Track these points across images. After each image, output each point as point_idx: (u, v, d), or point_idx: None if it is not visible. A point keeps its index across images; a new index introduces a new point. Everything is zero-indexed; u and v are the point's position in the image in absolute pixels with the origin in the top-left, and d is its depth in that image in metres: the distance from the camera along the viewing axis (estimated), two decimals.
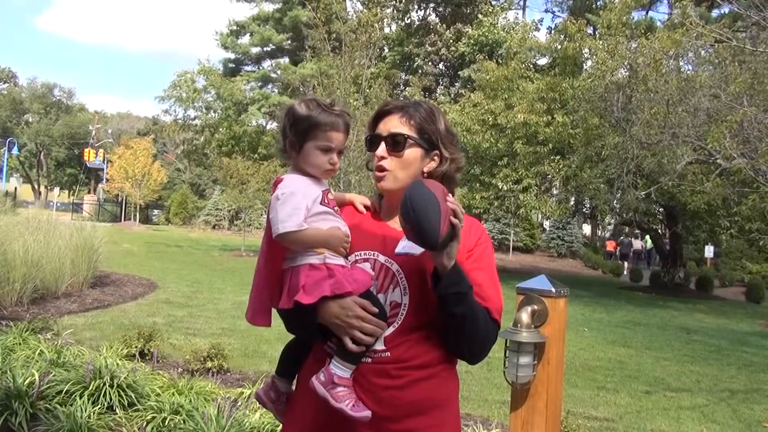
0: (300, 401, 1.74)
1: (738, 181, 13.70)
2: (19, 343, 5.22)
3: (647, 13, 35.72)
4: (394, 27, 35.65)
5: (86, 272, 9.90)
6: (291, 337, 1.82)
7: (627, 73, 15.32)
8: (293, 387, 1.82)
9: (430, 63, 33.69)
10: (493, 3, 32.50)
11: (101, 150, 50.59)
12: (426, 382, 1.63)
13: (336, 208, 1.71)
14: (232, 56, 39.99)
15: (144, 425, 3.78)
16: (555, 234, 32.61)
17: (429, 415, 1.63)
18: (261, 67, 40.37)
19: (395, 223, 1.75)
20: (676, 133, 12.77)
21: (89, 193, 56.10)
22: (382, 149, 1.72)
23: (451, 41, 32.00)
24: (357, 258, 1.68)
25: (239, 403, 4.15)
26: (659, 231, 23.65)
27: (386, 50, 33.48)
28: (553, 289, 2.11)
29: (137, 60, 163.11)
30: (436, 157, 1.75)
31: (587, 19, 22.50)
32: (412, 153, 1.72)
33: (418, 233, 1.50)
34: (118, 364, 4.54)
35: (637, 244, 34.27)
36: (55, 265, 8.90)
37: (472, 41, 30.18)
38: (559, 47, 19.30)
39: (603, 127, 15.83)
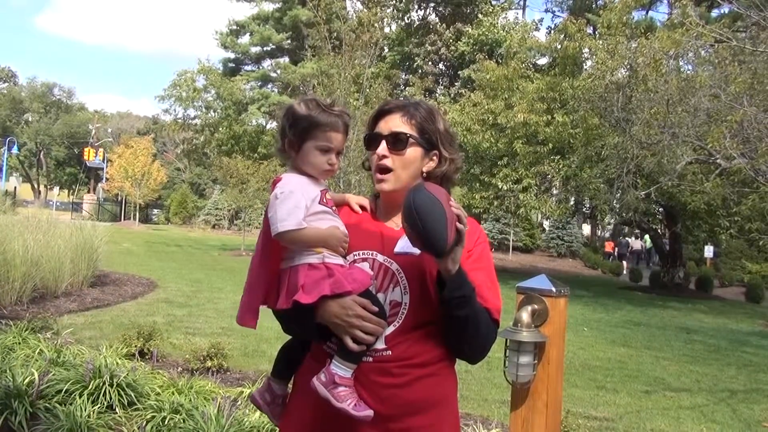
0: (298, 402, 1.74)
1: (738, 181, 13.71)
2: (19, 343, 5.22)
3: (647, 12, 35.77)
4: (394, 27, 35.64)
5: (86, 271, 9.90)
6: (290, 337, 1.81)
7: (627, 73, 15.31)
8: (289, 389, 1.82)
9: (430, 63, 33.67)
10: (493, 3, 32.51)
11: (101, 149, 50.59)
12: (426, 380, 1.63)
13: (334, 208, 1.70)
14: (232, 56, 39.99)
15: (144, 424, 3.78)
16: (555, 234, 32.62)
17: (429, 413, 1.64)
18: (261, 67, 40.36)
19: (392, 223, 1.76)
20: (676, 133, 12.76)
21: (89, 192, 56.11)
22: (383, 148, 1.71)
23: (451, 41, 31.99)
24: (355, 258, 1.68)
25: (239, 403, 4.15)
26: (659, 231, 23.64)
27: (386, 50, 33.45)
28: (554, 289, 2.11)
29: (137, 60, 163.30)
30: (435, 157, 1.75)
31: (587, 18, 22.46)
32: (413, 152, 1.72)
33: (425, 241, 1.49)
34: (117, 364, 4.54)
35: (637, 244, 34.31)
36: (54, 265, 8.90)
37: (472, 41, 30.18)
38: (559, 47, 19.29)
39: (603, 127, 15.83)
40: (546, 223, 34.47)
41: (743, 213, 16.07)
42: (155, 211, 46.80)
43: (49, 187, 66.36)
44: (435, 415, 1.65)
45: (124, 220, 41.09)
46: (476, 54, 24.25)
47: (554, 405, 2.12)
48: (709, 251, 27.13)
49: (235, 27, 39.09)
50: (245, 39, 39.50)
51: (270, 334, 7.42)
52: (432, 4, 35.39)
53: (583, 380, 6.90)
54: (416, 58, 33.50)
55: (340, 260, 1.63)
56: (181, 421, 3.78)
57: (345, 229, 1.68)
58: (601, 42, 16.99)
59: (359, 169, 14.76)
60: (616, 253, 33.59)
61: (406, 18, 35.87)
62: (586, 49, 17.98)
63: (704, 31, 11.83)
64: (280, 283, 1.66)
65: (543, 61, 27.24)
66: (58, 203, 47.60)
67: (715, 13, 30.63)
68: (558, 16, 39.15)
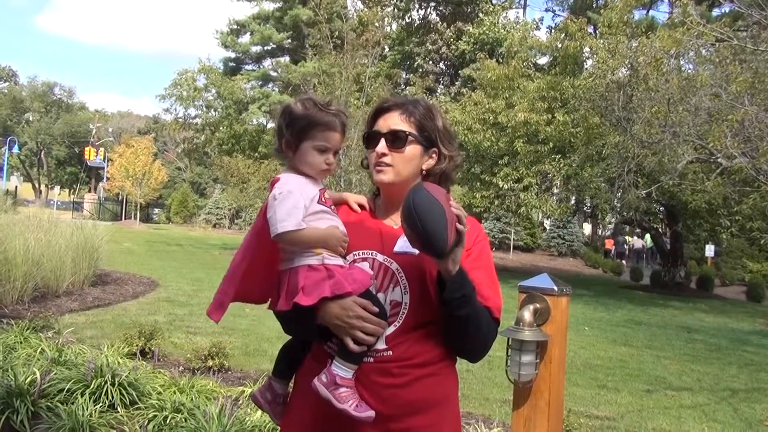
0: (298, 402, 1.74)
1: (739, 180, 13.70)
2: (21, 342, 5.22)
3: (648, 12, 35.75)
4: (394, 26, 35.64)
5: (87, 271, 9.90)
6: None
7: (628, 72, 15.30)
8: (290, 388, 1.82)
9: (430, 62, 33.67)
10: (494, 2, 32.53)
11: (102, 149, 50.65)
12: (427, 380, 1.63)
13: (333, 208, 1.70)
14: (233, 55, 40.03)
15: (145, 423, 3.78)
16: (555, 233, 32.61)
17: (430, 413, 1.63)
18: (261, 66, 40.41)
19: (392, 222, 1.75)
20: (677, 132, 12.76)
21: (90, 191, 56.09)
22: (382, 146, 1.71)
23: (451, 40, 31.99)
24: (355, 257, 1.67)
25: (240, 402, 4.15)
26: (660, 230, 23.63)
27: (387, 49, 33.46)
28: (556, 288, 2.11)
29: (138, 59, 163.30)
30: (434, 155, 1.75)
31: (588, 17, 22.45)
32: (413, 150, 1.71)
33: (425, 242, 1.48)
34: (119, 363, 4.54)
35: (638, 243, 34.31)
36: (55, 264, 8.90)
37: (472, 40, 30.18)
38: (560, 46, 19.28)
39: (604, 126, 15.83)
40: (547, 223, 34.45)
41: (744, 212, 16.07)
42: (156, 210, 46.82)
43: (49, 186, 66.40)
44: (436, 414, 1.65)
45: (125, 219, 41.09)
46: (477, 53, 24.25)
47: (556, 404, 2.12)
48: (710, 250, 27.13)
49: (235, 26, 39.13)
50: (246, 38, 39.55)
51: (271, 334, 7.44)
52: (432, 4, 35.40)
53: (585, 379, 6.90)
54: (417, 57, 33.51)
55: (339, 261, 1.62)
56: (183, 420, 3.78)
57: (344, 229, 1.67)
58: (601, 41, 16.98)
59: (360, 168, 14.75)
60: (614, 252, 33.61)
61: (406, 17, 35.88)
62: (587, 48, 17.97)
63: (705, 30, 11.81)
64: (279, 284, 1.66)
65: (544, 60, 27.23)
66: (59, 202, 47.58)
67: (715, 12, 30.62)
68: (559, 15, 39.15)
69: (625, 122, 14.55)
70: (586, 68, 18.49)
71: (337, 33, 18.52)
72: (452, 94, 29.57)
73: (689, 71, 15.31)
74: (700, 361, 8.69)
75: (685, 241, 22.58)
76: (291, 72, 32.12)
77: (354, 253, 1.68)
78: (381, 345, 1.60)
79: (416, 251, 1.61)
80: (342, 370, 1.56)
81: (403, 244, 1.66)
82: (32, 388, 3.93)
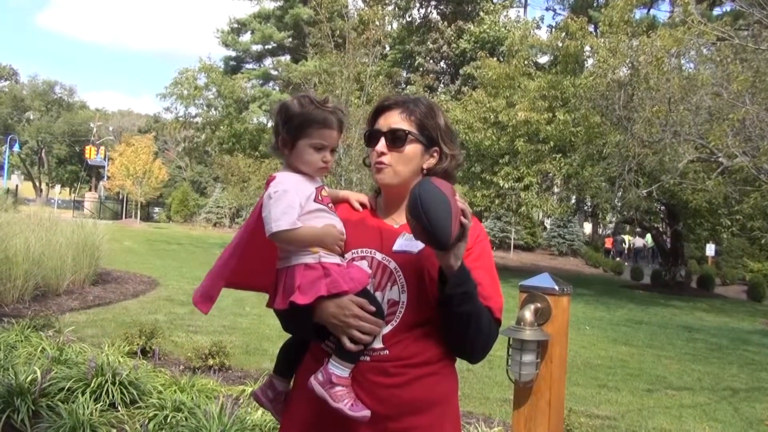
0: (298, 400, 1.73)
1: (740, 180, 13.69)
2: (21, 341, 5.22)
3: (649, 11, 35.71)
4: (395, 25, 35.62)
5: (88, 269, 9.90)
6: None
7: (629, 72, 15.29)
8: (291, 386, 1.81)
9: (431, 61, 33.65)
10: (495, 1, 32.47)
11: (102, 147, 50.68)
12: (425, 380, 1.62)
13: (330, 205, 1.69)
14: (233, 54, 40.04)
15: (146, 422, 3.78)
16: (556, 232, 32.63)
17: (429, 413, 1.62)
18: (262, 65, 40.45)
19: (392, 220, 1.75)
20: (678, 131, 12.75)
21: (90, 190, 56.13)
22: (381, 144, 1.70)
23: (452, 38, 31.98)
24: (354, 256, 1.67)
25: (241, 401, 4.15)
26: (660, 229, 23.63)
27: (387, 48, 33.44)
28: (557, 287, 2.10)
29: (139, 58, 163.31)
30: (435, 154, 1.74)
31: (589, 16, 22.47)
32: (413, 149, 1.70)
33: (429, 234, 1.48)
34: (120, 362, 4.55)
35: (639, 242, 34.31)
36: (56, 263, 8.90)
37: (473, 39, 30.17)
38: (561, 45, 19.27)
39: (604, 125, 15.83)
40: (547, 222, 34.47)
41: (745, 211, 16.07)
42: (156, 209, 46.86)
43: (50, 185, 66.43)
44: (435, 414, 1.64)
45: (126, 218, 41.12)
46: (478, 52, 24.24)
47: (557, 403, 2.12)
48: (710, 250, 27.14)
49: (236, 25, 39.16)
50: (246, 37, 39.58)
51: (272, 332, 7.44)
52: (433, 2, 35.36)
53: (585, 379, 6.90)
54: (417, 56, 33.48)
55: (336, 259, 1.62)
56: (183, 419, 3.78)
57: (342, 227, 1.67)
58: (602, 40, 16.97)
59: (361, 167, 14.76)
60: (613, 251, 33.63)
61: (407, 16, 35.85)
62: (588, 47, 17.97)
63: (706, 29, 11.80)
64: (276, 282, 1.65)
65: (544, 59, 27.23)
66: (59, 201, 47.62)
67: (716, 11, 30.59)
68: (559, 14, 39.07)
69: (625, 121, 14.54)
70: (587, 67, 18.52)
71: (337, 32, 18.50)
72: (453, 93, 29.55)
73: (690, 70, 15.31)
74: (701, 361, 8.69)
75: (686, 241, 22.57)
76: (292, 71, 32.10)
77: (353, 251, 1.67)
78: (378, 344, 1.59)
79: (415, 250, 1.60)
80: (338, 369, 1.56)
81: (402, 243, 1.66)
82: (33, 386, 3.94)
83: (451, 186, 1.54)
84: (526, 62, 19.78)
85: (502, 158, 18.62)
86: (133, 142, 38.88)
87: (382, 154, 1.70)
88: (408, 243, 1.64)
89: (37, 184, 66.73)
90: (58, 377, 4.13)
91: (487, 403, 5.43)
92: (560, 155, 17.64)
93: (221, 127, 33.61)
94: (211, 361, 5.55)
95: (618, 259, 31.22)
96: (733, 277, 25.79)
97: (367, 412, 1.54)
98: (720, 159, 12.25)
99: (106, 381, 4.12)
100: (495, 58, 22.40)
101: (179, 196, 43.60)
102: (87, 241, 10.05)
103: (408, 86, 30.58)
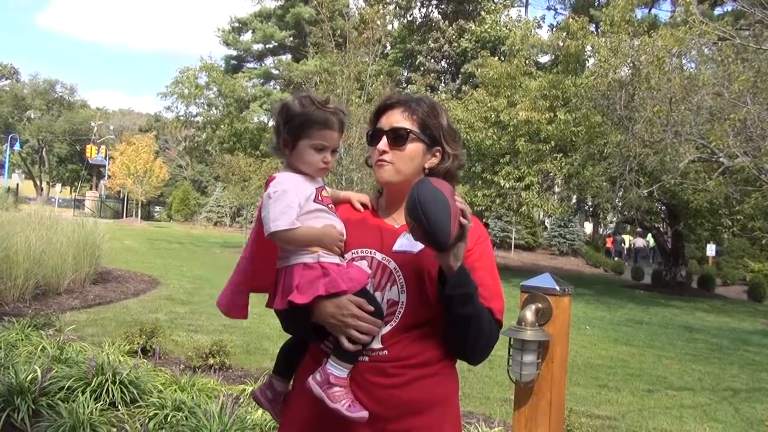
0: (297, 401, 1.73)
1: (741, 180, 13.68)
2: (22, 339, 5.22)
3: (650, 10, 35.64)
4: (396, 24, 35.61)
5: (88, 268, 9.90)
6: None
7: (630, 71, 15.28)
8: (290, 386, 1.81)
9: (432, 60, 33.63)
10: (496, 0, 32.44)
11: (103, 146, 50.71)
12: (425, 381, 1.61)
13: (331, 206, 1.69)
14: (234, 53, 40.02)
15: (146, 422, 3.78)
16: (557, 232, 32.60)
17: (428, 414, 1.61)
18: (263, 64, 40.43)
19: (393, 220, 1.74)
20: (679, 131, 12.74)
21: (91, 189, 56.15)
22: (383, 143, 1.70)
23: (453, 38, 31.96)
24: (354, 256, 1.66)
25: (241, 400, 4.16)
26: (661, 229, 23.62)
27: (389, 47, 33.43)
28: (558, 288, 2.10)
29: (140, 58, 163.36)
30: (438, 153, 1.73)
31: (590, 16, 22.45)
32: (414, 148, 1.70)
33: (428, 234, 1.47)
34: (120, 361, 4.54)
35: (640, 242, 34.29)
36: (57, 261, 8.90)
37: (474, 38, 30.15)
38: (562, 44, 19.26)
39: (605, 125, 15.81)
40: (548, 221, 34.44)
41: (746, 211, 16.05)
42: (157, 208, 46.92)
43: (51, 184, 66.41)
44: (434, 415, 1.63)
45: (126, 217, 41.17)
46: (479, 51, 24.23)
47: (558, 404, 2.12)
48: (711, 250, 27.12)
49: (237, 24, 39.13)
50: (247, 36, 39.56)
51: (272, 332, 7.43)
52: (434, 2, 35.33)
53: (586, 379, 6.89)
54: (419, 56, 33.47)
55: (336, 259, 1.62)
56: (184, 418, 3.78)
57: (342, 228, 1.66)
58: (603, 40, 16.95)
59: (361, 166, 14.76)
60: (613, 250, 33.61)
61: (408, 15, 35.83)
62: (589, 47, 17.95)
63: (707, 29, 11.80)
64: (276, 282, 1.65)
65: (545, 58, 27.20)
66: (60, 200, 47.60)
67: (718, 11, 30.56)
68: (560, 14, 39.03)
69: (626, 121, 14.53)
70: (588, 67, 18.49)
71: (338, 31, 18.50)
72: (453, 91, 29.53)
73: (691, 70, 15.30)
74: (701, 361, 8.69)
75: (687, 241, 22.56)
76: (292, 70, 32.12)
77: (353, 251, 1.67)
78: (377, 344, 1.59)
79: (415, 250, 1.60)
80: (336, 369, 1.55)
81: (402, 243, 1.65)
82: (33, 385, 3.93)
83: (450, 186, 1.53)
84: (527, 62, 19.76)
85: (503, 158, 18.61)
86: (134, 141, 38.91)
87: (384, 152, 1.70)
88: (408, 243, 1.63)
89: (38, 182, 66.71)
90: (59, 376, 4.13)
91: (487, 402, 5.43)
92: (561, 155, 17.63)
93: (222, 126, 33.62)
94: (211, 361, 5.54)
95: (617, 258, 31.20)
96: (733, 277, 25.77)
97: (364, 413, 1.53)
98: (721, 159, 12.24)
99: (107, 380, 4.11)
100: (496, 58, 22.39)
101: (180, 195, 43.62)
102: (88, 240, 10.06)
103: (409, 85, 30.56)
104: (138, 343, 5.68)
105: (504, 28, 29.55)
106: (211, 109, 36.43)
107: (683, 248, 21.81)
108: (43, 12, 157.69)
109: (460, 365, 1.72)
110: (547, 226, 34.67)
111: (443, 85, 33.34)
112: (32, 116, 64.51)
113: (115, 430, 3.75)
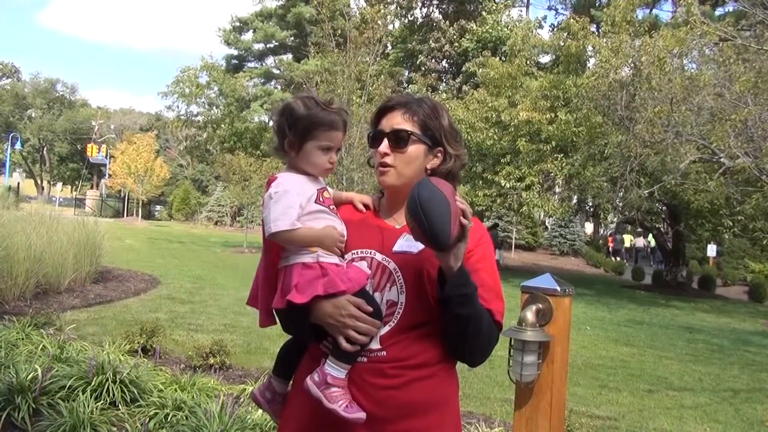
0: (296, 401, 1.72)
1: (741, 180, 13.68)
2: (22, 338, 5.22)
3: (651, 11, 35.59)
4: (397, 24, 35.62)
5: (89, 267, 9.90)
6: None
7: (631, 72, 15.28)
8: (290, 387, 1.81)
9: (433, 60, 33.63)
10: (497, 0, 32.44)
11: (104, 145, 50.71)
12: (423, 382, 1.60)
13: (332, 207, 1.69)
14: (235, 52, 40.03)
15: (146, 421, 3.78)
16: (557, 232, 32.60)
17: (427, 416, 1.60)
18: (264, 64, 40.42)
19: (394, 221, 1.74)
20: (680, 131, 12.74)
21: (92, 188, 56.20)
22: (384, 145, 1.70)
23: (454, 38, 31.95)
24: (354, 256, 1.66)
25: (242, 400, 4.16)
26: (662, 230, 23.62)
27: (389, 47, 33.44)
28: (558, 288, 2.09)
29: (140, 57, 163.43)
30: (439, 154, 1.73)
31: (591, 16, 22.43)
32: (416, 149, 1.69)
33: (428, 235, 1.46)
34: (120, 360, 4.55)
35: (641, 242, 34.30)
36: (57, 260, 8.90)
37: (475, 38, 30.14)
38: (563, 45, 19.25)
39: (606, 125, 15.81)
40: (548, 222, 34.44)
41: (747, 212, 16.05)
42: (158, 207, 46.93)
43: (52, 183, 66.46)
44: (433, 417, 1.62)
45: (127, 216, 41.19)
46: (480, 51, 24.22)
47: (558, 404, 2.11)
48: (712, 250, 27.13)
49: (238, 24, 39.13)
50: (248, 36, 39.55)
51: (272, 332, 7.41)
52: (435, 2, 35.35)
53: (586, 379, 6.89)
54: (420, 55, 33.47)
55: (335, 259, 1.62)
56: (184, 418, 3.78)
57: (342, 228, 1.66)
58: (604, 40, 16.95)
59: (362, 166, 14.76)
60: (610, 249, 33.62)
61: (409, 15, 35.84)
62: (590, 47, 17.95)
63: (708, 29, 11.81)
64: (277, 282, 1.65)
65: (546, 59, 27.20)
66: (61, 199, 47.66)
67: (719, 11, 30.56)
68: (561, 14, 39.01)
69: (627, 121, 14.53)
70: (589, 67, 18.48)
71: (339, 31, 18.49)
72: (454, 91, 29.52)
73: (692, 71, 15.30)
74: (702, 362, 8.68)
75: (687, 241, 22.55)
76: (293, 70, 32.14)
77: (353, 251, 1.67)
78: (375, 345, 1.58)
79: (415, 251, 1.59)
80: (334, 370, 1.55)
81: (402, 244, 1.65)
82: (33, 384, 3.93)
83: (450, 186, 1.53)
84: (528, 62, 19.76)
85: (503, 158, 18.61)
86: (135, 140, 38.89)
87: (385, 155, 1.69)
88: (408, 243, 1.63)
89: (39, 181, 66.68)
90: (59, 375, 4.13)
91: (487, 403, 5.43)
92: (562, 155, 17.63)
93: (222, 126, 33.63)
94: (211, 360, 5.54)
95: (617, 258, 31.19)
96: (734, 277, 25.77)
97: (362, 414, 1.53)
98: (722, 159, 12.24)
99: (107, 379, 4.11)
100: (497, 58, 22.39)
101: (181, 194, 43.61)
102: (88, 239, 10.06)
103: (410, 85, 30.57)
104: (138, 343, 5.69)
105: (505, 29, 29.54)
106: (212, 108, 36.42)
107: (684, 248, 21.81)
108: (43, 11, 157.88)
109: (461, 365, 1.71)
110: (548, 226, 34.68)
111: (444, 84, 33.35)
112: (33, 115, 64.51)
113: (115, 429, 3.75)
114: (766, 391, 7.18)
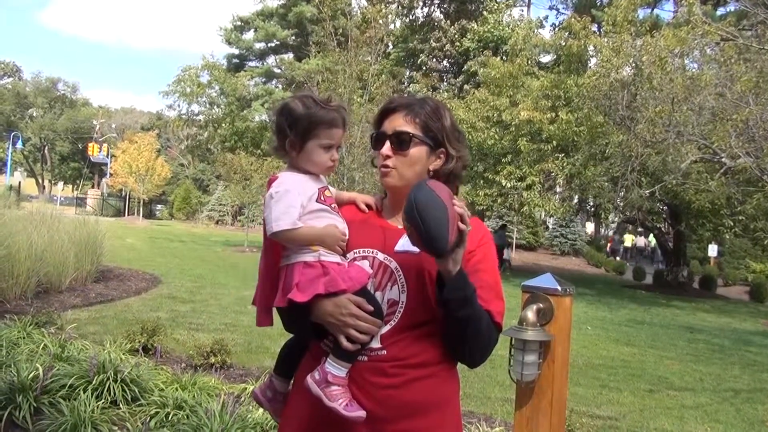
0: (297, 400, 1.73)
1: (743, 180, 13.67)
2: (23, 337, 5.22)
3: (653, 10, 35.57)
4: (398, 23, 35.60)
5: (90, 267, 9.91)
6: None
7: (632, 71, 15.27)
8: (291, 386, 1.81)
9: (434, 59, 33.61)
10: (498, 0, 32.41)
11: (105, 145, 50.71)
12: (424, 382, 1.60)
13: (334, 206, 1.69)
14: (236, 52, 39.99)
15: (147, 420, 3.78)
16: (558, 232, 32.58)
17: (427, 416, 1.60)
18: (265, 63, 40.38)
19: (396, 221, 1.74)
20: (681, 131, 12.74)
21: (93, 187, 56.25)
22: (386, 147, 1.70)
23: (455, 37, 31.93)
24: (355, 255, 1.66)
25: (242, 399, 4.16)
26: (663, 229, 23.61)
27: (390, 47, 33.42)
28: (559, 288, 2.09)
29: (142, 56, 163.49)
30: (442, 155, 1.73)
31: (592, 16, 22.41)
32: (418, 151, 1.70)
33: (426, 241, 1.46)
34: (121, 359, 4.55)
35: (641, 241, 34.30)
36: (58, 259, 8.90)
37: (476, 37, 30.12)
38: (564, 44, 19.24)
39: (607, 125, 15.79)
40: (549, 221, 34.43)
41: (748, 212, 16.05)
42: (159, 206, 46.94)
43: (53, 182, 66.46)
44: (433, 417, 1.62)
45: (128, 215, 41.22)
46: (481, 51, 24.20)
47: (559, 404, 2.11)
48: (713, 250, 27.12)
49: (239, 23, 39.09)
50: (249, 35, 39.49)
51: (273, 331, 7.41)
52: (437, 1, 35.32)
53: (587, 379, 6.89)
54: (421, 55, 33.44)
55: (336, 258, 1.62)
56: (185, 417, 3.78)
57: (344, 227, 1.66)
58: (606, 40, 16.94)
59: (363, 165, 14.76)
60: (609, 249, 33.62)
61: (410, 14, 35.81)
62: (591, 47, 17.94)
63: (710, 29, 11.80)
64: (278, 280, 1.65)
65: (547, 58, 27.17)
66: (62, 198, 47.62)
67: (720, 11, 30.52)
68: (562, 14, 38.97)
69: (628, 121, 14.52)
70: (590, 67, 18.46)
71: (340, 30, 18.48)
72: (455, 91, 29.51)
73: (693, 70, 15.28)
74: (703, 362, 8.68)
75: (688, 241, 22.54)
76: (295, 69, 32.09)
77: (355, 251, 1.67)
78: (375, 344, 1.58)
79: (417, 250, 1.59)
80: (335, 368, 1.56)
81: (404, 243, 1.65)
82: (35, 383, 3.94)
83: (448, 190, 1.52)
84: (529, 61, 19.75)
85: (504, 157, 18.61)
86: (136, 139, 38.88)
87: (387, 156, 1.70)
88: (410, 243, 1.63)
89: (40, 181, 66.70)
90: (60, 374, 4.14)
91: (488, 402, 5.43)
92: (563, 155, 17.62)
93: (224, 125, 33.61)
94: (212, 359, 5.55)
95: (617, 258, 31.18)
96: (735, 277, 25.75)
97: (362, 413, 1.53)
98: (723, 159, 12.24)
99: (108, 378, 4.12)
100: (498, 58, 22.38)
101: (182, 193, 43.62)
102: (89, 238, 10.07)
103: (411, 84, 30.56)
104: (139, 342, 5.69)
105: (506, 28, 29.51)
106: (213, 107, 36.40)
107: (685, 248, 21.79)
108: (43, 10, 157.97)
109: (461, 365, 1.71)
110: (549, 226, 34.66)
111: (445, 84, 33.32)
112: (34, 114, 64.51)
113: (116, 428, 3.75)
114: (767, 392, 7.17)
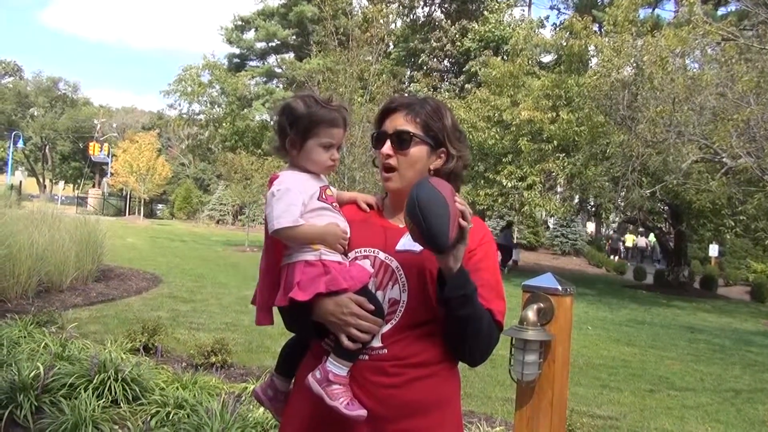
0: (298, 399, 1.73)
1: (743, 180, 13.67)
2: (24, 337, 5.23)
3: (654, 10, 35.54)
4: (399, 23, 35.58)
5: (91, 266, 9.91)
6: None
7: (633, 71, 15.26)
8: (292, 385, 1.81)
9: (435, 59, 33.58)
10: (499, 0, 32.39)
11: (106, 144, 50.71)
12: (424, 381, 1.60)
13: (335, 204, 1.69)
14: (237, 51, 39.99)
15: (148, 419, 3.79)
16: (559, 232, 32.56)
17: (428, 416, 1.60)
18: (266, 63, 40.36)
19: (398, 220, 1.74)
20: (682, 131, 12.73)
21: (94, 186, 56.25)
22: (387, 147, 1.70)
23: (456, 37, 31.91)
24: (357, 255, 1.67)
25: (243, 398, 4.16)
26: (664, 229, 23.60)
27: (391, 46, 33.39)
28: (560, 287, 2.10)
29: (143, 56, 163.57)
30: (442, 155, 1.73)
31: (593, 16, 22.40)
32: (418, 151, 1.70)
33: (427, 237, 1.46)
34: (122, 358, 4.56)
35: (642, 241, 34.27)
36: (59, 259, 8.90)
37: (477, 37, 30.10)
38: (565, 44, 19.24)
39: (608, 124, 15.79)
40: (550, 221, 34.41)
41: (749, 212, 16.05)
42: (160, 206, 46.96)
43: (54, 181, 66.42)
44: (434, 417, 1.62)
45: (129, 214, 41.24)
46: (482, 51, 24.19)
47: (559, 404, 2.12)
48: (713, 250, 27.10)
49: (240, 22, 39.08)
50: (250, 34, 39.47)
51: (274, 330, 7.42)
52: (437, 1, 35.29)
53: (587, 379, 6.89)
54: (421, 55, 33.42)
55: (338, 257, 1.62)
56: (186, 416, 3.79)
57: (345, 226, 1.67)
58: (606, 39, 16.94)
59: (363, 165, 14.75)
60: (608, 248, 33.61)
61: (411, 14, 35.78)
62: (592, 47, 17.93)
63: (711, 29, 11.80)
64: (280, 279, 1.65)
65: (548, 58, 27.16)
66: (63, 197, 47.61)
67: (721, 11, 30.49)
68: (563, 14, 38.94)
69: (629, 121, 14.51)
70: (591, 67, 18.46)
71: (341, 30, 18.48)
72: (456, 90, 29.48)
73: (694, 70, 15.27)
74: (703, 362, 8.68)
75: (689, 241, 22.53)
76: (295, 69, 32.08)
77: (356, 250, 1.67)
78: (376, 343, 1.58)
79: (418, 249, 1.59)
80: (336, 367, 1.56)
81: (405, 242, 1.65)
82: (36, 382, 3.94)
83: (450, 187, 1.52)
84: (530, 61, 19.74)
85: (505, 157, 18.60)
86: (137, 138, 38.92)
87: (388, 156, 1.70)
88: (411, 242, 1.63)
89: (41, 180, 66.72)
90: (61, 373, 4.14)
91: (489, 402, 5.43)
92: (564, 154, 17.62)
93: (224, 125, 33.62)
94: (213, 359, 5.55)
95: (617, 258, 31.17)
96: (736, 277, 25.73)
97: (363, 412, 1.53)
98: (724, 159, 12.24)
99: (109, 377, 4.12)
100: (499, 57, 22.36)
101: (182, 193, 43.63)
102: (90, 237, 10.07)
103: (412, 84, 30.53)
104: (140, 341, 5.69)
105: (507, 28, 29.48)
106: (214, 107, 36.40)
107: (686, 248, 21.78)
108: (44, 10, 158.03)
109: (462, 364, 1.71)
110: (550, 225, 34.64)
111: (446, 84, 33.29)
112: (35, 114, 64.50)
113: (117, 427, 3.75)
114: None
